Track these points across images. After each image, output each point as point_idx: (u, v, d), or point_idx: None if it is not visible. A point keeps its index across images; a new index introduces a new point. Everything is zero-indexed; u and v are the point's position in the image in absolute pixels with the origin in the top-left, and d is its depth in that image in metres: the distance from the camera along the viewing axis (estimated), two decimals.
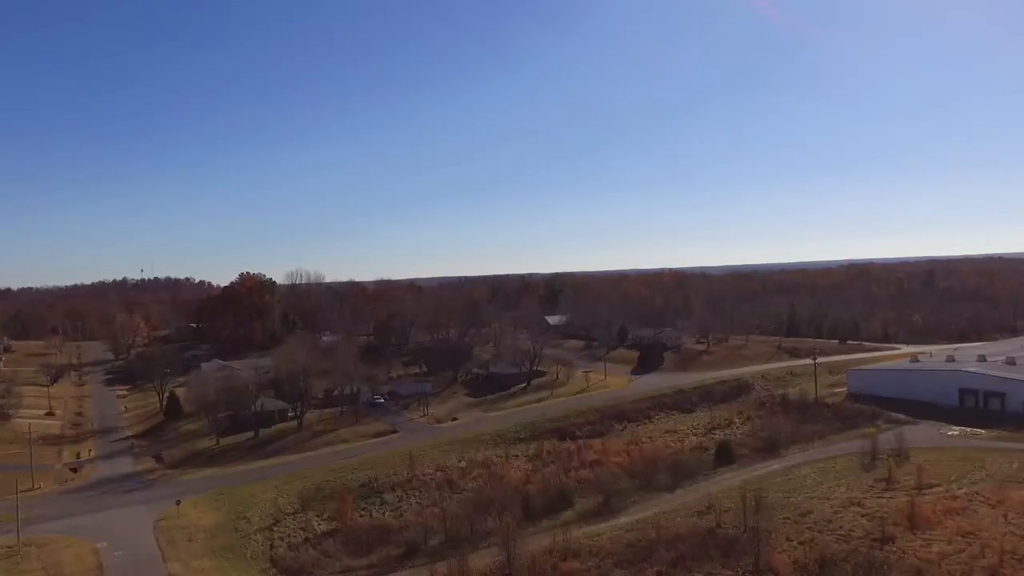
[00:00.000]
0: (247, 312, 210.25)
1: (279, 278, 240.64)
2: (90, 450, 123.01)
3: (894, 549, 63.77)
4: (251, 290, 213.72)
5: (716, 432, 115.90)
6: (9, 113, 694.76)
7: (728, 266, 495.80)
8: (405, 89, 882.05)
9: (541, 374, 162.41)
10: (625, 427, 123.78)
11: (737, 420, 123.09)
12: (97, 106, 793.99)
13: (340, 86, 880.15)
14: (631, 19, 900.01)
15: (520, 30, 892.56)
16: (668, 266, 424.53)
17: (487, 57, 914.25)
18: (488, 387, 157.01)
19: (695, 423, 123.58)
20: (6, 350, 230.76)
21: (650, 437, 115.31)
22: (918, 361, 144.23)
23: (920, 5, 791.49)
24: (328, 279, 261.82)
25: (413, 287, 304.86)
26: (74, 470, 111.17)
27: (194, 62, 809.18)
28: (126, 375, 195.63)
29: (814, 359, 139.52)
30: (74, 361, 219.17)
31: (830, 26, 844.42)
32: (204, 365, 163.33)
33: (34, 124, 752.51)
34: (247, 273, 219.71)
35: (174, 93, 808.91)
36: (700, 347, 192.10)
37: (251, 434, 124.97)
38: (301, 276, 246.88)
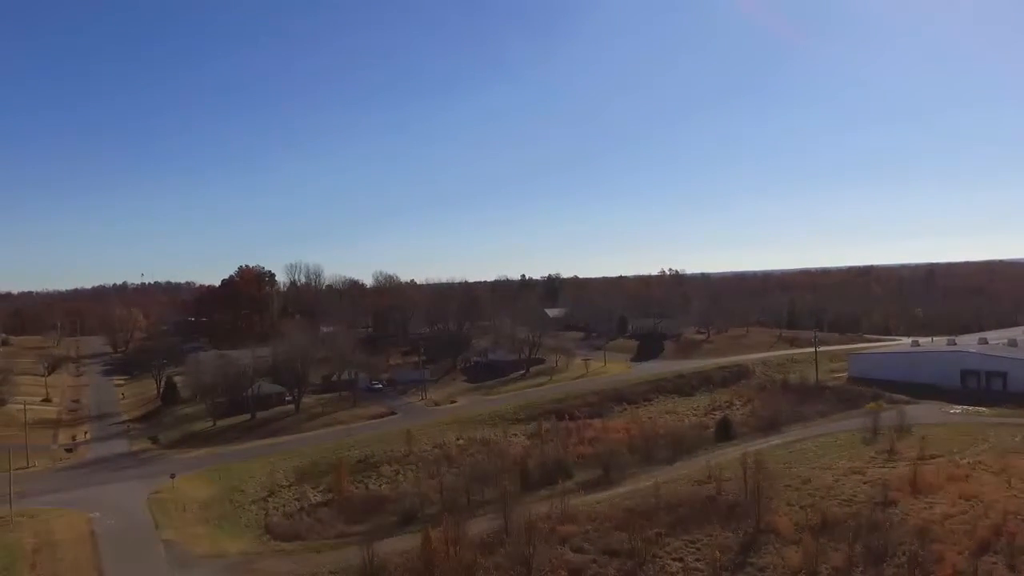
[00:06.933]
0: (246, 304, 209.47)
1: (279, 274, 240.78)
2: (86, 432, 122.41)
3: (897, 512, 63.11)
4: (250, 282, 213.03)
5: (716, 413, 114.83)
6: (7, 118, 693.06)
7: (728, 272, 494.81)
8: (399, 99, 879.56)
9: (540, 361, 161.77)
10: (625, 409, 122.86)
11: (737, 402, 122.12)
12: (97, 111, 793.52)
13: (336, 95, 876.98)
14: (624, 28, 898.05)
15: (515, 41, 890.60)
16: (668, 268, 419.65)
17: (483, 67, 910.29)
18: (487, 374, 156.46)
19: (695, 405, 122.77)
20: (3, 343, 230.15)
21: (650, 417, 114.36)
22: (919, 345, 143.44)
23: (916, 11, 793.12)
24: (328, 280, 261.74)
25: (413, 285, 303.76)
26: (69, 451, 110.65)
27: (191, 69, 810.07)
28: (124, 366, 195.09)
29: (815, 340, 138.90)
30: (72, 354, 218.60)
31: (825, 33, 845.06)
32: (202, 354, 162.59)
33: (33, 129, 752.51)
34: (246, 266, 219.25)
35: (175, 99, 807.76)
36: (700, 336, 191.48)
37: (248, 416, 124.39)
38: (300, 269, 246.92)
